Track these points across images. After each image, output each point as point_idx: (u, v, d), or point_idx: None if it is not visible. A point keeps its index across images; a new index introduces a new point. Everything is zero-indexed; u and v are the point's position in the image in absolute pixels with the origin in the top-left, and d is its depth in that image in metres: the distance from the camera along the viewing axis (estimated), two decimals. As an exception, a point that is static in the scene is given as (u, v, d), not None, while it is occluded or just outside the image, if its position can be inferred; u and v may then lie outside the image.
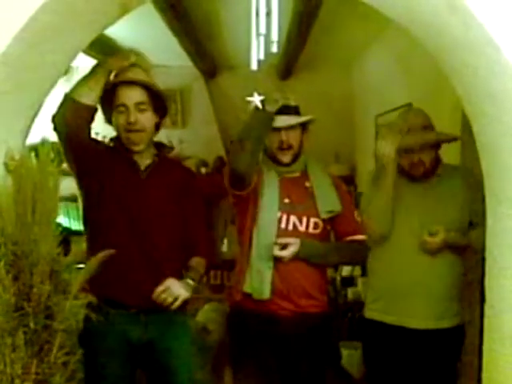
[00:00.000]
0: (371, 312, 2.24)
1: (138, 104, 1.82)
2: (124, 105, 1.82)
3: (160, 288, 1.77)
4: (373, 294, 2.25)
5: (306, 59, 4.99)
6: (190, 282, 1.86)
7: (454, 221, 2.13)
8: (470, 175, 2.18)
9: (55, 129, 1.76)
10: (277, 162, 2.05)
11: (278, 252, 1.90)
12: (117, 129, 1.88)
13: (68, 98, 1.74)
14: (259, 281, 1.93)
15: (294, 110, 2.03)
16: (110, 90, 1.83)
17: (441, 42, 1.44)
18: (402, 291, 2.12)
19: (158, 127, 1.94)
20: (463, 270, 2.20)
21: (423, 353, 2.13)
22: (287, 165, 2.04)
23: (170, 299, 1.77)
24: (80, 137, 1.76)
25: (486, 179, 1.47)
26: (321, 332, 2.03)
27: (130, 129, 1.82)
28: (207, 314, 3.28)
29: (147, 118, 1.85)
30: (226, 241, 4.51)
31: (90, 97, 1.74)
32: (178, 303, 1.79)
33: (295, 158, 2.05)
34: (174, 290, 1.79)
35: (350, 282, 3.78)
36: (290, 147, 2.01)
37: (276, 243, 1.91)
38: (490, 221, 1.45)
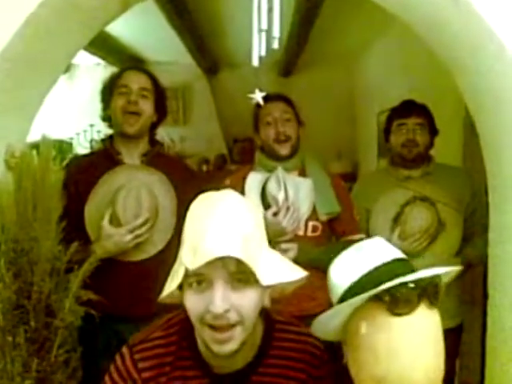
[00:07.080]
0: None
1: (141, 89, 1.82)
2: (127, 86, 1.81)
3: None
4: None
5: (307, 56, 4.98)
6: None
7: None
8: (469, 177, 2.15)
9: None
10: (274, 156, 1.96)
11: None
12: (114, 113, 1.83)
13: None
14: None
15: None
16: (116, 77, 1.84)
17: (442, 38, 1.43)
18: None
19: (153, 126, 1.92)
20: (461, 271, 2.16)
21: None
22: (286, 158, 1.95)
23: None
24: None
25: (489, 176, 1.46)
26: None
27: (128, 110, 1.79)
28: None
29: (147, 105, 1.83)
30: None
31: None
32: None
33: (294, 152, 1.96)
34: None
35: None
36: (287, 139, 1.94)
37: (275, 248, 1.89)
38: (492, 217, 1.44)
